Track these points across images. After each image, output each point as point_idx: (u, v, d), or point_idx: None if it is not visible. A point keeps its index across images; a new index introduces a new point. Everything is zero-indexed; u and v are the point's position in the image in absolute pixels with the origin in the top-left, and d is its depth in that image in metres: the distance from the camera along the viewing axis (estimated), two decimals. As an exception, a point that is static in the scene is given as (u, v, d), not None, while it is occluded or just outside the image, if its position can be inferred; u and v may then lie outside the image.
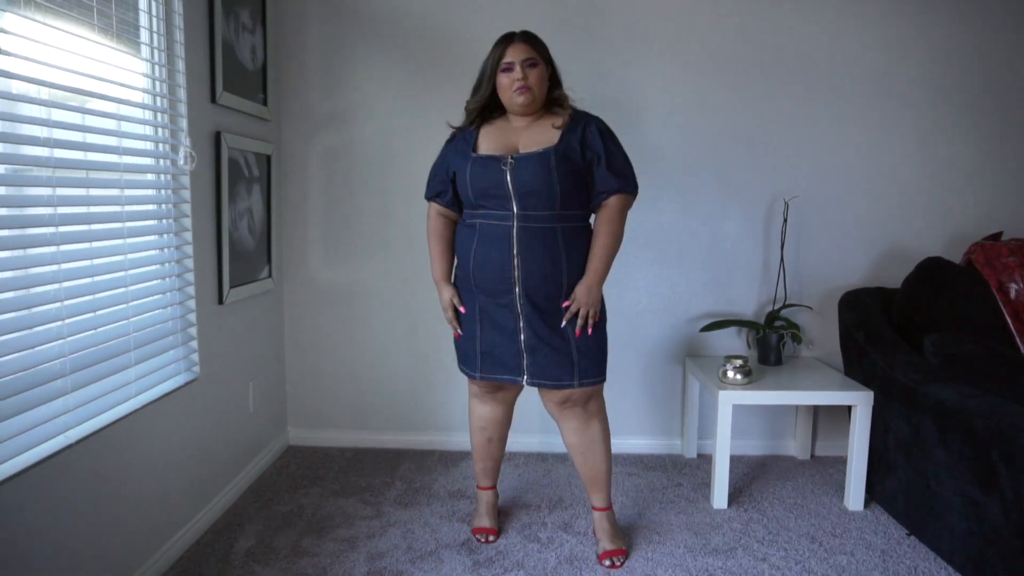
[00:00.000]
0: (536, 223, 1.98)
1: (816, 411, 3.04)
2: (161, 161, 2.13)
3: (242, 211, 2.59)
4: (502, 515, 2.45)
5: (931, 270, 2.63)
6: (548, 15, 2.85)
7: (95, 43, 1.82)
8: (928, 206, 2.98)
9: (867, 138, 2.94)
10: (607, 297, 2.20)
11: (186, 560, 2.13)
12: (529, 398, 2.53)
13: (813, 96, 2.92)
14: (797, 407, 3.03)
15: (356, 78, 2.95)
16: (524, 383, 2.09)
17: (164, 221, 2.13)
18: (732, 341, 3.05)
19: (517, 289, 2.01)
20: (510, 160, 1.97)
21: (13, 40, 1.55)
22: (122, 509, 1.88)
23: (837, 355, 2.94)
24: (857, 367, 2.67)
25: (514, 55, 1.98)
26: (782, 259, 2.94)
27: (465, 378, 3.00)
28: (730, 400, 2.48)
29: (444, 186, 2.13)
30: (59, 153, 1.69)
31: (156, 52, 2.09)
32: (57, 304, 1.67)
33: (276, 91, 2.90)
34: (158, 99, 2.11)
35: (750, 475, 2.85)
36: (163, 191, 2.15)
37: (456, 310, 2.14)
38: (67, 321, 1.70)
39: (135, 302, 1.98)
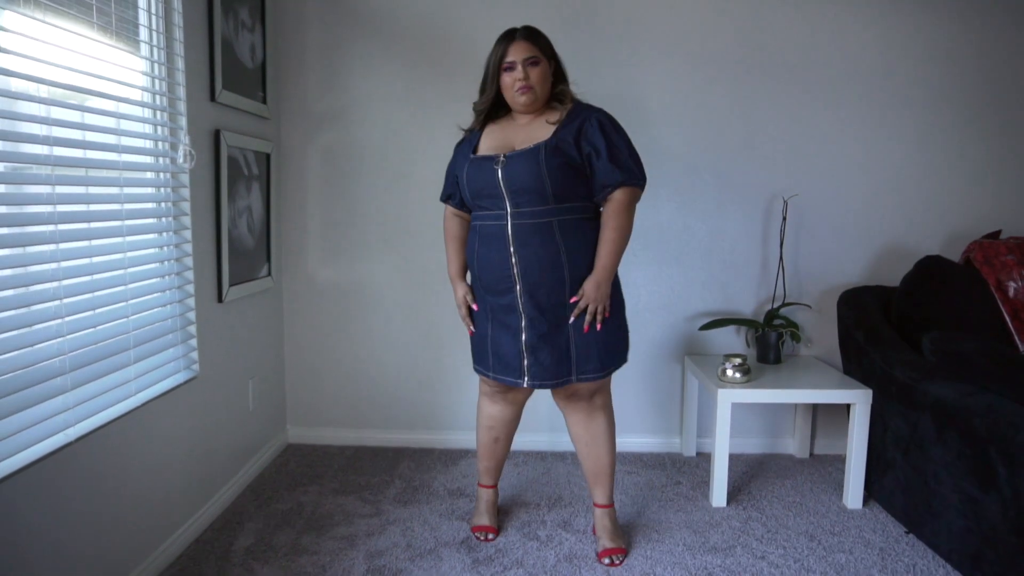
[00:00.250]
0: (530, 219, 1.97)
1: (815, 409, 3.05)
2: (160, 159, 2.13)
3: (241, 209, 2.59)
4: (501, 513, 2.45)
5: (930, 268, 2.63)
6: (548, 14, 2.85)
7: (94, 41, 1.82)
8: (927, 205, 2.98)
9: (866, 137, 2.94)
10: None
11: (185, 558, 2.14)
12: (536, 396, 2.53)
13: (812, 95, 2.92)
14: (796, 405, 3.04)
15: (355, 76, 2.95)
16: (524, 385, 2.08)
17: (163, 219, 2.13)
18: (731, 339, 3.05)
19: (518, 287, 2.00)
20: (501, 159, 1.98)
21: (13, 38, 1.55)
22: (122, 507, 1.88)
23: (836, 353, 2.95)
24: (856, 365, 2.67)
25: (516, 54, 1.97)
26: (781, 257, 2.95)
27: (465, 376, 3.03)
28: (729, 398, 2.49)
29: (454, 188, 2.17)
30: (58, 151, 1.69)
31: (155, 50, 2.09)
32: (56, 302, 1.67)
33: (275, 89, 2.90)
34: (157, 97, 2.11)
35: (749, 473, 2.85)
36: (162, 189, 2.15)
37: (470, 308, 2.17)
38: (66, 319, 1.70)
39: (134, 300, 1.98)
